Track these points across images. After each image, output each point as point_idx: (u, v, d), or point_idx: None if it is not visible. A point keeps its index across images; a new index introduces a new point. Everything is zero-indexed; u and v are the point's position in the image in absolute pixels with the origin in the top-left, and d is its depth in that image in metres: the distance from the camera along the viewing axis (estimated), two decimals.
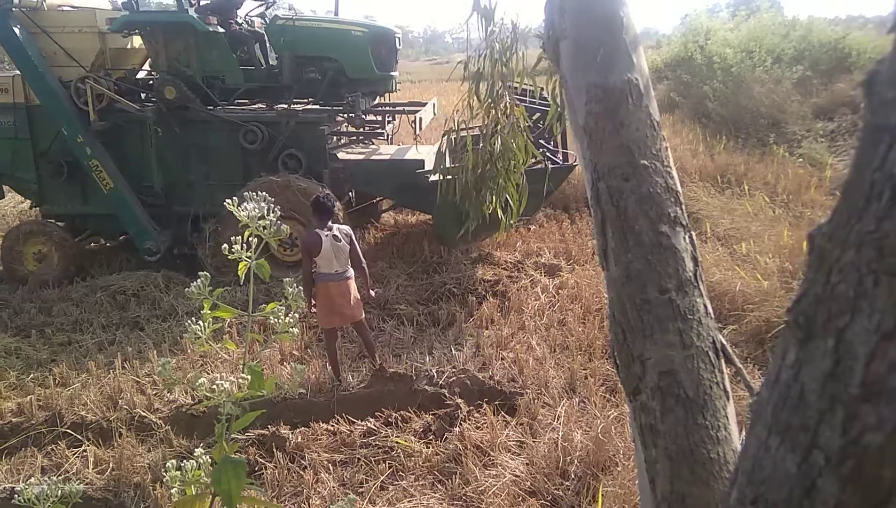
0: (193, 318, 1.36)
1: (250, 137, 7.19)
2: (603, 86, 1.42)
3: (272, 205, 1.51)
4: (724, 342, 1.32)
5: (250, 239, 1.48)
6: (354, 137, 8.57)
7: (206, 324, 1.34)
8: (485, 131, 4.87)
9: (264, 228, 1.46)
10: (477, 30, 3.87)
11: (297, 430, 4.43)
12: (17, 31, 6.97)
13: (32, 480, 4.01)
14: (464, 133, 5.35)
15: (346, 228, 4.93)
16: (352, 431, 4.43)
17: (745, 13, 18.08)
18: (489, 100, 4.29)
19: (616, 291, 1.33)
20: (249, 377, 1.26)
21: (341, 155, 7.87)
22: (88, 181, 7.41)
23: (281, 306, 1.49)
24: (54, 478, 1.34)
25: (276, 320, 1.42)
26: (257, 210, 1.47)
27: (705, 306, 1.30)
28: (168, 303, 6.62)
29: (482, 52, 4.01)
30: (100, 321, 6.31)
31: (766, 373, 0.84)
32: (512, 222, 5.58)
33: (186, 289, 1.38)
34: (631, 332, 1.28)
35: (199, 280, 1.35)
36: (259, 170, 7.25)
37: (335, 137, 8.14)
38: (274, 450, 4.22)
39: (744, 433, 1.27)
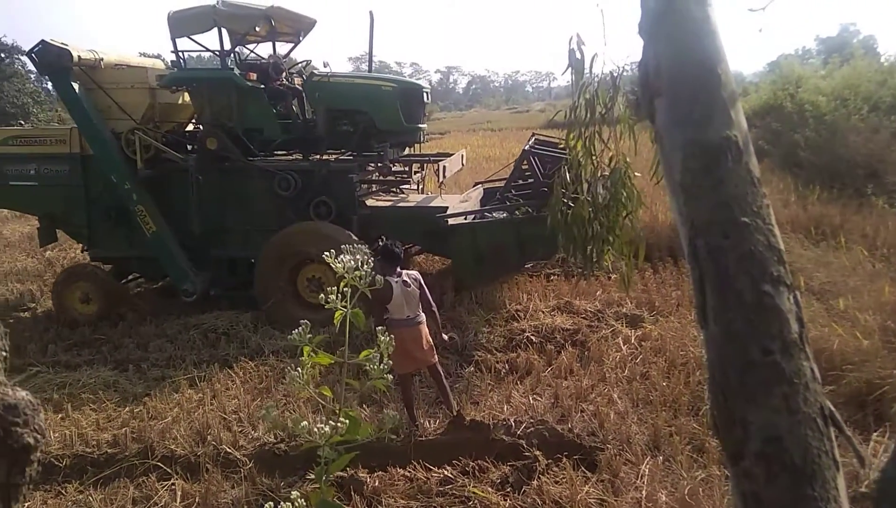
0: (293, 364, 1.42)
1: (284, 184, 7.52)
2: (700, 142, 1.41)
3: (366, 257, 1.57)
4: (833, 409, 1.26)
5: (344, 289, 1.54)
6: (385, 186, 8.91)
7: (305, 369, 1.40)
8: (591, 182, 4.61)
9: (360, 278, 1.52)
10: (570, 83, 3.91)
11: (375, 474, 4.44)
12: (76, 87, 7.57)
13: None
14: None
15: (416, 273, 5.02)
16: (428, 478, 4.40)
17: (839, 60, 17.50)
18: (584, 148, 4.24)
19: (716, 351, 1.29)
20: (346, 421, 1.30)
21: (370, 202, 8.13)
22: (134, 226, 7.83)
23: (375, 353, 1.53)
24: None
25: (370, 366, 1.46)
26: (353, 262, 1.53)
27: (812, 371, 1.25)
28: (255, 342, 6.87)
29: (576, 104, 4.01)
30: (192, 358, 6.62)
31: (893, 449, 0.80)
32: (629, 279, 5.20)
33: (289, 336, 1.44)
34: (732, 394, 1.24)
35: (300, 328, 1.41)
36: (292, 216, 7.57)
37: (365, 185, 8.42)
38: (352, 493, 4.24)
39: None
